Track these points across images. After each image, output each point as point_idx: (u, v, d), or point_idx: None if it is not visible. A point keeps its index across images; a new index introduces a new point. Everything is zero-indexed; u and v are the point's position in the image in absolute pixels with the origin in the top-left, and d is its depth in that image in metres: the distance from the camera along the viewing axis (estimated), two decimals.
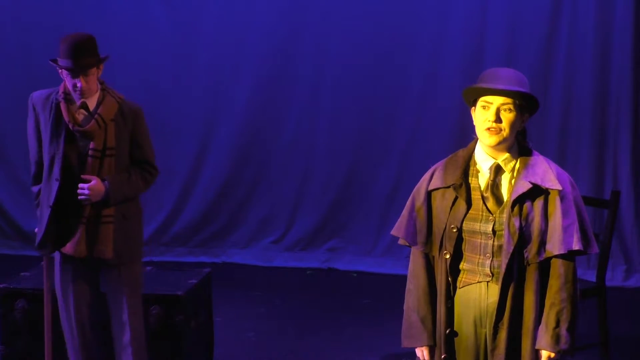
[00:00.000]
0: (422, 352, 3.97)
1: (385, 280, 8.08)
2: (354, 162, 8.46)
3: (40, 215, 5.10)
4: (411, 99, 8.34)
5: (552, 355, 3.79)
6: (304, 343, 6.75)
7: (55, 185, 5.02)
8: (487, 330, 3.85)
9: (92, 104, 5.05)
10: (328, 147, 8.48)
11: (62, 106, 5.03)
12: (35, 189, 5.21)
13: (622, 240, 8.09)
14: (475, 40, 8.19)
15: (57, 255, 5.17)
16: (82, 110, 5.05)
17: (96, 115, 5.01)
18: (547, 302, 3.80)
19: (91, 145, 5.01)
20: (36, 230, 5.20)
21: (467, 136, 8.22)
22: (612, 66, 8.04)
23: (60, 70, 5.03)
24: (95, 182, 5.01)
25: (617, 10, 7.97)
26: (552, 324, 3.78)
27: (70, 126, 5.01)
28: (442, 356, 3.90)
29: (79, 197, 5.01)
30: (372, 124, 8.40)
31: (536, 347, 3.81)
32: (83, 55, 4.93)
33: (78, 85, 4.96)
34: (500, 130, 3.77)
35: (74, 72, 4.94)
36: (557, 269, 3.79)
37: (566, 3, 8.04)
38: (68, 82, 5.00)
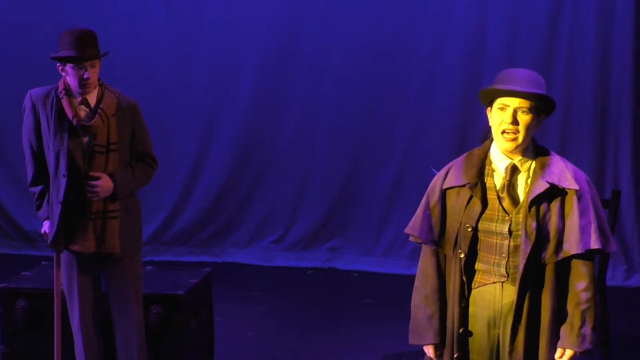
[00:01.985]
0: (427, 350, 3.96)
1: (385, 280, 8.08)
2: (355, 162, 8.46)
3: (51, 212, 5.11)
4: (412, 99, 8.34)
5: (577, 354, 3.79)
6: (304, 343, 6.75)
7: (63, 181, 5.03)
8: (502, 331, 3.84)
9: (92, 99, 5.08)
10: (328, 147, 8.48)
11: (65, 102, 5.04)
12: (35, 189, 5.20)
13: (622, 240, 8.09)
14: (476, 40, 8.19)
15: (62, 253, 5.19)
16: (83, 107, 5.07)
17: (99, 111, 5.03)
18: (572, 302, 3.79)
19: (96, 140, 5.04)
20: (42, 230, 5.21)
21: (468, 136, 8.25)
22: (612, 65, 8.05)
23: (61, 67, 5.04)
24: (103, 179, 5.04)
25: (618, 10, 7.98)
26: (578, 323, 3.78)
27: (75, 122, 5.02)
28: (455, 355, 3.89)
29: (89, 195, 5.03)
30: (372, 123, 8.40)
31: (559, 347, 3.81)
32: (89, 45, 4.97)
33: (85, 76, 4.98)
34: (517, 132, 3.76)
35: (82, 61, 4.95)
36: (579, 268, 3.79)
37: (567, 3, 8.04)
38: (73, 75, 5.00)
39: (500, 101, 3.79)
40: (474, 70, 8.05)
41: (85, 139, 5.06)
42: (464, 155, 3.94)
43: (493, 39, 8.17)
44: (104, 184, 5.04)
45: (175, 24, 8.48)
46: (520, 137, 3.77)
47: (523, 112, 3.77)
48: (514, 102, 3.77)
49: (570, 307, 3.80)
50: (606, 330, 6.04)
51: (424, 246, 3.97)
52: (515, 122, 3.76)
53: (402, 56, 8.30)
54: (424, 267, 3.97)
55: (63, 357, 5.35)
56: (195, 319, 5.80)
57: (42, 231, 5.23)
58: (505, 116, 3.77)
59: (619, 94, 8.08)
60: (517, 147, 3.79)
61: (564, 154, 8.03)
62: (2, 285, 5.75)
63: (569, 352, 3.80)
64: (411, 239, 3.99)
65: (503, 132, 3.78)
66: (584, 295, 3.78)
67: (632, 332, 7.00)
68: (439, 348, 3.94)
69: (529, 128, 3.78)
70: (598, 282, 6.01)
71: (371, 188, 8.44)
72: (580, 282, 3.79)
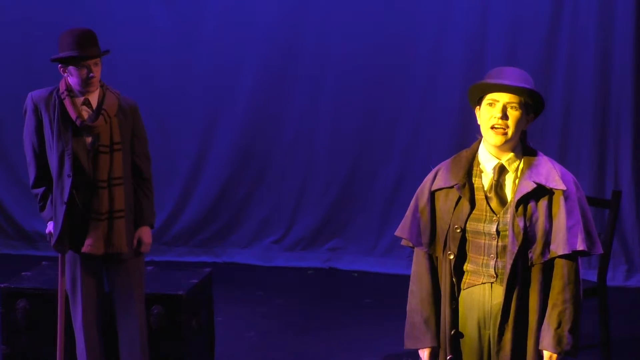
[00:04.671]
0: (423, 354, 3.95)
1: (386, 280, 8.08)
2: (355, 162, 8.46)
3: (55, 213, 5.12)
4: (412, 99, 8.34)
5: (554, 356, 3.78)
6: (305, 343, 6.75)
7: (68, 182, 5.05)
8: (492, 331, 3.84)
9: (94, 100, 5.11)
10: (329, 147, 8.48)
11: (67, 103, 5.06)
12: (38, 190, 5.22)
13: (623, 240, 8.09)
14: (476, 41, 8.19)
15: (67, 254, 5.20)
16: (86, 107, 5.09)
17: (102, 111, 5.06)
18: (550, 303, 3.78)
19: (100, 141, 5.06)
20: (47, 231, 5.22)
21: (468, 136, 8.20)
22: (613, 66, 8.05)
23: (62, 68, 5.05)
24: (144, 232, 5.24)
25: (618, 10, 7.97)
26: (554, 324, 3.76)
27: (78, 122, 5.05)
28: (448, 357, 3.89)
29: (143, 250, 5.23)
30: (373, 123, 8.40)
31: (539, 348, 3.80)
32: (90, 45, 4.99)
33: (90, 75, 5.00)
34: (506, 128, 3.76)
35: (84, 60, 4.97)
36: (560, 269, 3.78)
37: (567, 3, 8.04)
38: (75, 75, 5.02)
39: (489, 97, 3.79)
40: (475, 71, 8.04)
41: (89, 140, 5.09)
42: (452, 157, 3.95)
43: (493, 40, 8.16)
44: (146, 233, 5.24)
45: (175, 24, 8.48)
46: (510, 132, 3.76)
47: (512, 107, 3.76)
48: (503, 98, 3.77)
49: (548, 308, 3.79)
50: (606, 330, 6.04)
51: (415, 249, 3.97)
52: (504, 117, 3.76)
53: (402, 57, 8.30)
54: (418, 271, 3.96)
55: (64, 357, 5.35)
56: (195, 319, 5.80)
57: (47, 231, 5.25)
58: (494, 111, 3.77)
59: (619, 94, 8.07)
60: (506, 142, 3.78)
61: (565, 154, 8.07)
62: (2, 285, 5.76)
63: (547, 354, 3.78)
64: (403, 242, 4.00)
65: (492, 127, 3.78)
66: (562, 297, 3.77)
67: (632, 332, 7.00)
68: (435, 351, 3.94)
69: (518, 124, 3.77)
70: (598, 282, 6.01)
71: (372, 188, 8.45)
72: (559, 283, 3.77)
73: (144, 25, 8.49)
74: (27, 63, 8.50)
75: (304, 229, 8.56)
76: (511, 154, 3.83)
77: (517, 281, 3.77)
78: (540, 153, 3.87)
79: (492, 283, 3.82)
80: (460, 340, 3.89)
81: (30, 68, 8.43)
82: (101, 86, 5.14)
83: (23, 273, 6.00)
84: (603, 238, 5.92)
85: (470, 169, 3.87)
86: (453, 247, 3.84)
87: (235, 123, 8.53)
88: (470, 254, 3.85)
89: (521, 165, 3.83)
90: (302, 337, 6.85)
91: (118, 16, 8.46)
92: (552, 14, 8.07)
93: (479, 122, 3.84)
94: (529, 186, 3.76)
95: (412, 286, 3.97)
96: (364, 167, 8.46)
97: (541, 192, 3.78)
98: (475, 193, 3.84)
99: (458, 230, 3.82)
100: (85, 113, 5.09)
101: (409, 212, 3.97)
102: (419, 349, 3.96)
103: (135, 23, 8.48)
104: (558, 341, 3.76)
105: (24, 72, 8.48)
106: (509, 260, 3.76)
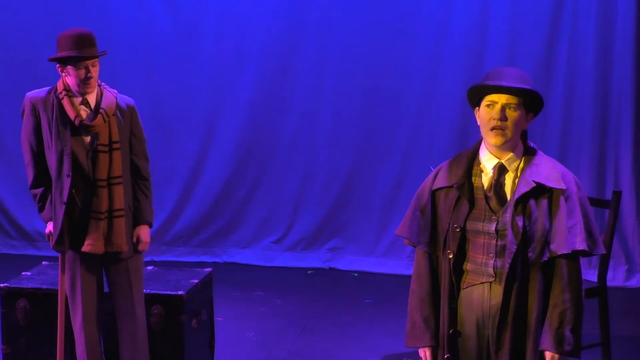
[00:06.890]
0: (424, 353, 3.96)
1: (386, 280, 8.08)
2: (355, 162, 8.47)
3: (54, 213, 5.12)
4: (412, 99, 8.34)
5: (556, 356, 3.78)
6: (305, 343, 6.75)
7: (67, 182, 5.06)
8: (490, 331, 3.84)
9: (92, 100, 5.12)
10: (329, 147, 8.48)
11: (66, 102, 5.07)
12: (36, 191, 5.22)
13: (623, 240, 8.09)
14: (477, 41, 8.19)
15: (67, 253, 5.21)
16: (84, 107, 5.09)
17: (101, 110, 5.07)
18: (550, 303, 3.78)
19: (98, 140, 5.07)
20: (46, 231, 5.23)
21: (469, 136, 8.23)
22: (613, 66, 8.05)
23: (61, 68, 5.06)
24: (141, 229, 5.23)
25: (619, 10, 7.98)
26: (555, 324, 3.76)
27: (77, 122, 5.05)
28: (445, 356, 3.89)
29: (140, 248, 5.24)
30: (373, 123, 8.41)
31: (540, 348, 3.79)
32: (89, 45, 5.01)
33: (88, 75, 5.01)
34: (505, 128, 3.77)
35: (84, 60, 4.98)
36: (561, 269, 3.78)
37: (567, 3, 8.04)
38: (74, 76, 5.02)
39: (488, 98, 3.80)
40: (475, 71, 8.05)
41: (88, 139, 5.10)
42: (453, 157, 3.95)
43: (494, 40, 8.17)
44: (145, 232, 5.24)
45: (176, 24, 8.49)
46: (509, 132, 3.77)
47: (511, 108, 3.77)
48: (501, 99, 3.77)
49: (549, 308, 3.79)
50: (606, 330, 6.04)
51: (417, 248, 3.97)
52: (503, 117, 3.77)
53: (403, 56, 8.30)
54: (418, 270, 3.97)
55: (64, 357, 5.35)
56: (195, 319, 5.80)
57: (46, 232, 5.25)
58: (493, 113, 3.77)
59: (619, 94, 8.07)
60: (506, 142, 3.79)
61: (565, 154, 8.07)
62: (2, 285, 5.75)
63: (548, 355, 3.78)
64: (405, 242, 4.00)
65: (492, 128, 3.78)
66: (562, 296, 3.76)
67: (632, 332, 7.00)
68: (435, 350, 3.95)
69: (517, 124, 3.78)
70: (598, 282, 6.01)
71: (372, 188, 8.45)
72: (560, 283, 3.77)
73: (144, 25, 8.49)
74: (28, 62, 8.50)
75: (304, 229, 8.56)
76: (511, 154, 3.83)
77: (516, 280, 3.77)
78: (541, 153, 3.88)
79: (491, 283, 3.82)
80: (459, 339, 3.89)
81: (31, 67, 8.43)
82: (99, 85, 5.16)
83: (23, 273, 6.00)
84: (603, 238, 5.92)
85: (470, 168, 3.87)
86: (452, 246, 3.84)
87: (236, 123, 8.54)
88: (469, 253, 3.85)
89: (521, 165, 3.83)
90: (302, 337, 6.85)
91: (118, 16, 8.47)
92: (552, 14, 8.08)
93: (478, 123, 3.85)
94: (528, 185, 3.77)
95: (413, 285, 3.98)
96: (364, 167, 8.46)
97: (541, 191, 3.78)
98: (475, 192, 3.84)
99: (457, 230, 3.83)
100: (84, 112, 5.10)
101: (409, 212, 3.97)
102: (419, 347, 3.97)
103: (136, 23, 8.49)
104: (559, 341, 3.76)
105: (25, 71, 8.48)
106: (507, 260, 3.76)
